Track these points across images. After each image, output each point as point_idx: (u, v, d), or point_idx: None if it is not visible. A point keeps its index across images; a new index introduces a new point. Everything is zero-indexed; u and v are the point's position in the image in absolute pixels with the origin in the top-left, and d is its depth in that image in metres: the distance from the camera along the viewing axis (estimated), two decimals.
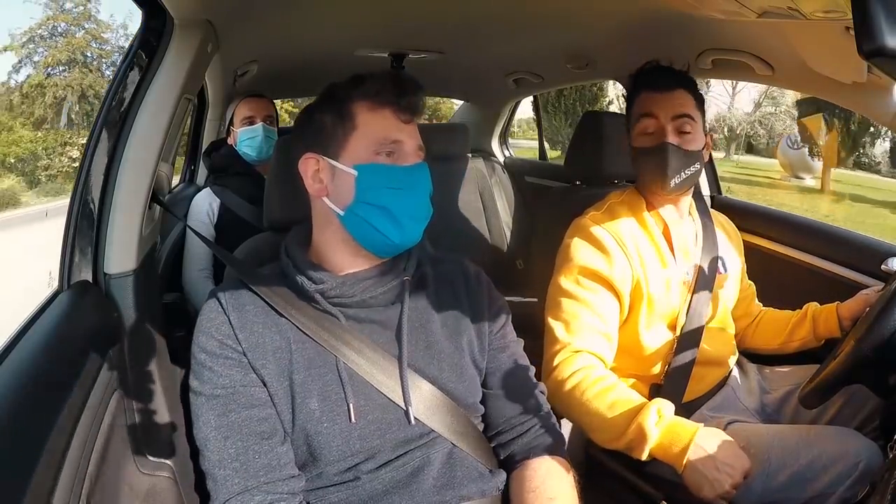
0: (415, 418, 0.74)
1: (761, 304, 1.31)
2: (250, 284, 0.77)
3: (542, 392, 0.87)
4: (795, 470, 0.89)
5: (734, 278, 1.21)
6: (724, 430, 1.03)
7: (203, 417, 0.71)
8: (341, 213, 0.74)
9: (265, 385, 0.72)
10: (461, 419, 0.79)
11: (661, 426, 0.89)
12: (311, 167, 0.77)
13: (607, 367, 1.05)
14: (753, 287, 1.29)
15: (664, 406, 0.92)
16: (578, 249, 1.07)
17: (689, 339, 1.08)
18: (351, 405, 0.72)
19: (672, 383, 1.07)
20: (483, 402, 0.84)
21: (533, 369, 0.88)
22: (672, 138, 1.04)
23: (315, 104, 0.79)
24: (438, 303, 0.82)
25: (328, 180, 0.76)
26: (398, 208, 0.73)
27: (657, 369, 1.09)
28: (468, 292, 0.85)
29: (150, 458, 0.93)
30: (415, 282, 0.81)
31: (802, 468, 0.89)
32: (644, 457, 0.90)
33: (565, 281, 1.07)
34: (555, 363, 1.02)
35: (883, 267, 1.23)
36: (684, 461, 0.86)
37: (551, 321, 1.06)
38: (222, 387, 0.71)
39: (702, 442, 0.86)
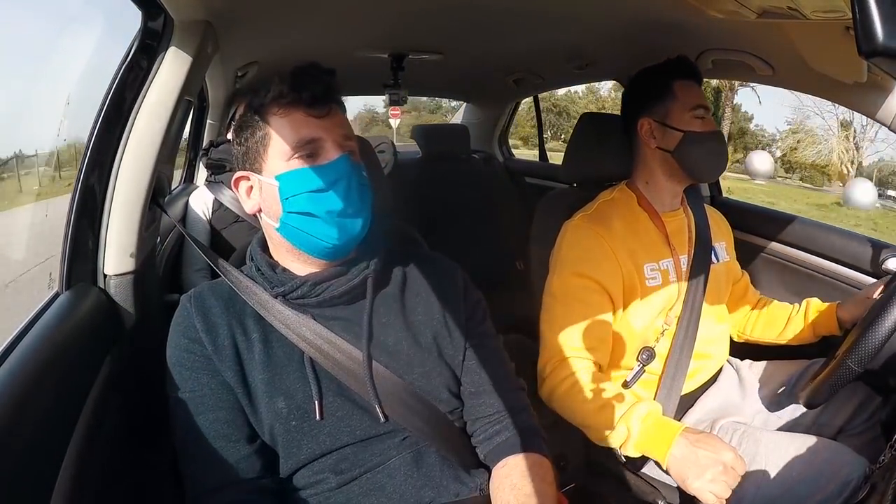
0: (384, 416, 0.74)
1: (759, 293, 1.30)
2: (230, 284, 0.78)
3: (522, 388, 0.86)
4: (789, 485, 0.89)
5: (727, 269, 1.22)
6: (719, 429, 1.04)
7: (176, 420, 0.73)
8: (276, 225, 0.75)
9: (232, 387, 0.72)
10: (434, 417, 0.78)
11: (646, 424, 0.91)
12: (243, 186, 0.78)
13: (602, 370, 1.05)
14: (747, 276, 1.30)
15: (651, 405, 0.94)
16: (568, 254, 1.08)
17: (687, 330, 1.08)
18: (317, 403, 0.72)
19: (670, 376, 1.07)
20: (462, 399, 0.82)
21: (513, 365, 0.87)
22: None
23: (237, 124, 0.78)
24: (406, 299, 0.81)
25: (258, 196, 0.76)
26: (324, 211, 0.71)
27: (657, 363, 1.09)
28: (440, 288, 0.84)
29: (150, 457, 0.93)
30: (380, 279, 0.80)
31: (796, 484, 0.89)
32: (632, 453, 0.93)
33: (557, 286, 1.07)
34: (548, 369, 1.03)
35: (883, 267, 1.23)
36: (667, 456, 0.87)
37: (544, 327, 1.06)
38: (190, 390, 0.72)
39: (685, 438, 0.88)
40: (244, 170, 0.77)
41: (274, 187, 0.73)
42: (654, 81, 1.14)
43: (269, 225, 0.76)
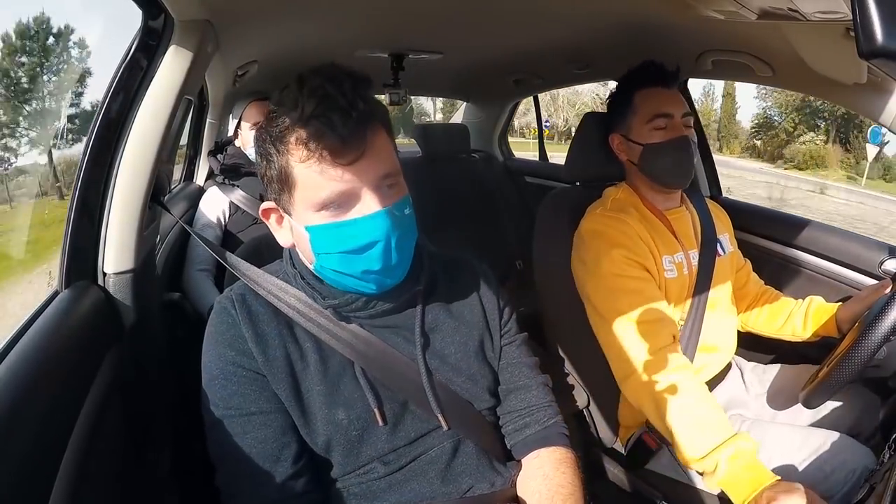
0: (447, 424, 0.74)
1: (762, 282, 1.30)
2: (261, 293, 0.74)
3: (547, 385, 0.87)
4: (796, 474, 0.90)
5: (731, 260, 1.22)
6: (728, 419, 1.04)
7: (216, 435, 0.69)
8: (312, 265, 0.71)
9: (282, 401, 0.70)
10: (476, 416, 0.79)
11: (734, 466, 0.84)
12: (273, 216, 0.71)
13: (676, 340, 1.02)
14: (749, 265, 1.30)
15: (745, 443, 0.85)
16: (606, 240, 1.06)
17: (693, 324, 1.09)
18: (377, 410, 0.71)
19: None
20: (499, 396, 0.84)
21: (538, 359, 0.89)
22: (685, 132, 1.09)
23: (256, 144, 0.68)
24: (451, 305, 0.82)
25: (290, 232, 0.70)
26: (360, 271, 0.66)
27: None
28: (479, 291, 0.84)
29: (149, 457, 0.93)
30: (427, 286, 0.79)
31: (803, 472, 0.90)
32: (713, 488, 0.88)
33: (609, 272, 1.03)
34: (638, 361, 0.98)
35: (882, 268, 1.23)
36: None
37: (613, 313, 1.01)
38: (236, 407, 0.69)
39: (772, 492, 0.78)
40: (271, 200, 0.69)
41: (305, 237, 0.66)
42: (618, 96, 1.18)
43: (308, 261, 0.72)
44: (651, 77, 1.13)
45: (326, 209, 0.63)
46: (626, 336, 1.00)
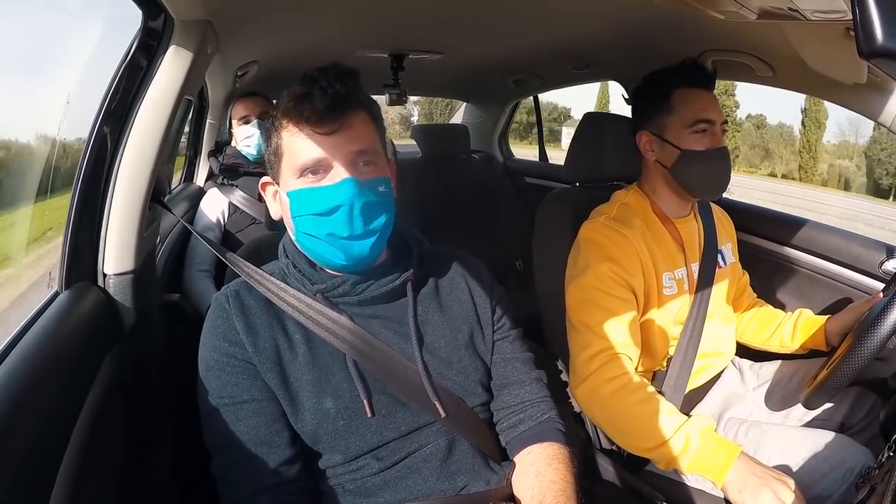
0: (445, 411, 0.75)
1: (755, 295, 1.30)
2: (255, 286, 0.77)
3: (542, 380, 0.87)
4: (793, 474, 0.90)
5: (732, 270, 1.22)
6: (725, 423, 1.04)
7: (212, 425, 0.72)
8: (294, 237, 0.76)
9: (272, 390, 0.72)
10: (470, 413, 0.80)
11: (706, 439, 0.87)
12: (269, 190, 0.79)
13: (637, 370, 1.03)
14: (747, 277, 1.30)
15: (708, 421, 0.90)
16: (600, 251, 1.04)
17: (692, 333, 1.09)
18: (366, 402, 0.72)
19: (674, 375, 1.07)
20: (491, 391, 0.84)
21: (533, 355, 0.89)
22: (724, 142, 1.05)
23: (265, 127, 0.78)
24: (442, 297, 0.83)
25: (281, 205, 0.76)
26: (325, 234, 0.71)
27: (664, 362, 1.10)
28: (469, 286, 0.86)
29: (149, 457, 0.93)
30: (418, 278, 0.81)
31: (801, 473, 0.90)
32: (684, 468, 0.88)
33: (592, 281, 1.03)
34: (593, 367, 0.98)
35: (882, 268, 1.23)
36: (725, 477, 0.83)
37: (581, 325, 1.02)
38: (229, 396, 0.71)
39: (742, 460, 0.84)
40: (269, 175, 0.78)
41: (287, 203, 0.73)
42: (654, 92, 1.11)
43: (290, 229, 0.77)
44: (694, 77, 1.07)
45: (304, 175, 0.70)
46: (587, 349, 0.99)
